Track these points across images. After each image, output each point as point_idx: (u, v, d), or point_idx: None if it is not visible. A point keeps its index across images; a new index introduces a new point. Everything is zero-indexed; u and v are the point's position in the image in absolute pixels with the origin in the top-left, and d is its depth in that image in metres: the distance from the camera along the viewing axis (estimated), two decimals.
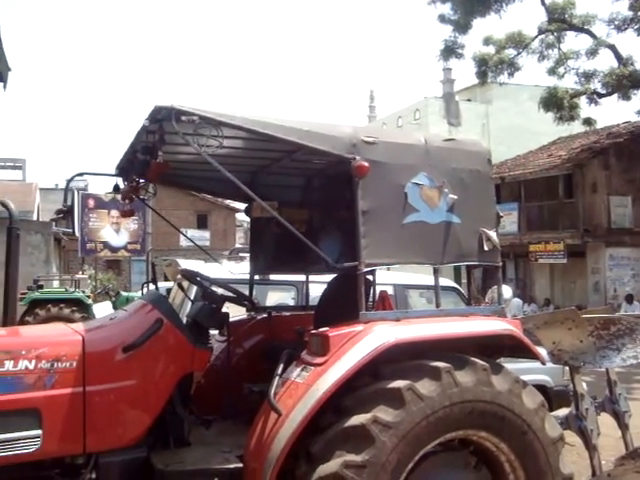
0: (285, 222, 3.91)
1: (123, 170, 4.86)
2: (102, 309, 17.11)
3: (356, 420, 3.59)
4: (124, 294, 19.25)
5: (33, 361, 3.71)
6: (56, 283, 20.97)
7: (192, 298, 4.87)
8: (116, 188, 5.01)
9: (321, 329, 3.97)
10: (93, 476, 3.81)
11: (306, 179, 5.58)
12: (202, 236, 37.34)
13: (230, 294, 4.56)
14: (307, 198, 5.59)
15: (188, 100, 3.70)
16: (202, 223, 42.95)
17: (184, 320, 4.39)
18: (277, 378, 3.86)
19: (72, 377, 3.77)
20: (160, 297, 4.36)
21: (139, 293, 20.96)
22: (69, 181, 5.95)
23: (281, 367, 3.92)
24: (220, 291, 4.52)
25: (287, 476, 3.70)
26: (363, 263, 3.96)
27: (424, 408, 3.69)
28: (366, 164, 3.93)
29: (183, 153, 4.59)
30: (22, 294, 14.20)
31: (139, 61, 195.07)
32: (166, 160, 3.89)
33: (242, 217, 53.56)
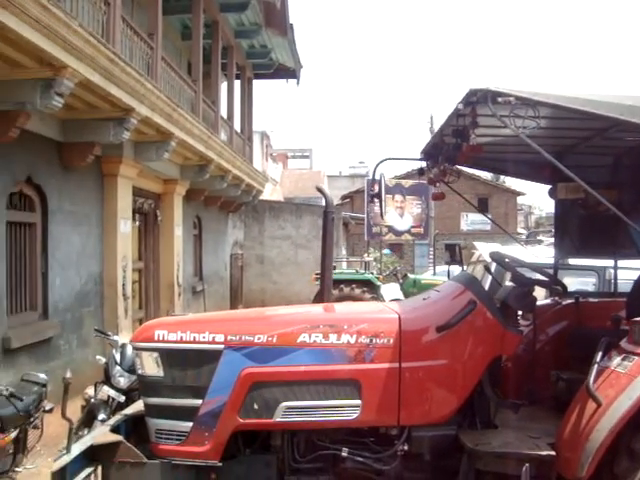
0: (608, 203, 3.72)
1: (428, 154, 4.98)
2: (389, 290, 17.74)
3: None
4: (411, 276, 19.75)
5: (354, 336, 3.92)
6: (344, 264, 22.14)
7: (494, 281, 4.82)
8: (421, 172, 5.20)
9: None
10: (405, 447, 3.95)
11: (615, 157, 5.25)
12: (483, 220, 36.92)
13: (541, 277, 4.45)
14: (616, 178, 5.25)
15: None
16: (483, 207, 42.28)
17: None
18: (595, 366, 3.67)
19: (389, 353, 3.92)
20: (472, 279, 4.36)
21: (426, 275, 21.49)
22: (376, 167, 6.18)
23: (600, 355, 3.74)
24: (528, 274, 4.42)
25: (603, 470, 3.52)
26: None
27: None
28: None
29: (487, 135, 4.56)
30: (316, 274, 15.07)
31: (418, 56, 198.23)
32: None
33: (522, 200, 52.05)
